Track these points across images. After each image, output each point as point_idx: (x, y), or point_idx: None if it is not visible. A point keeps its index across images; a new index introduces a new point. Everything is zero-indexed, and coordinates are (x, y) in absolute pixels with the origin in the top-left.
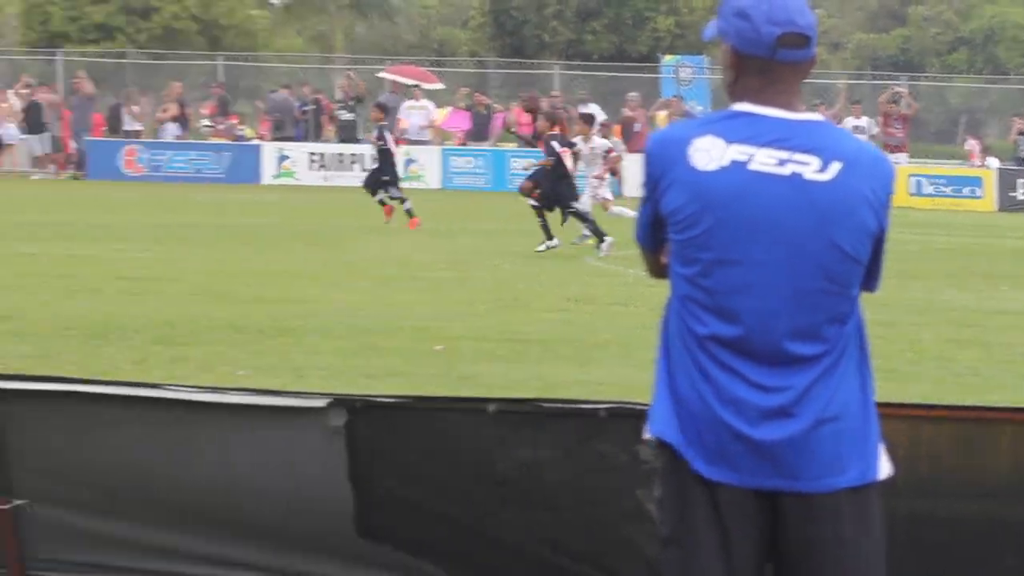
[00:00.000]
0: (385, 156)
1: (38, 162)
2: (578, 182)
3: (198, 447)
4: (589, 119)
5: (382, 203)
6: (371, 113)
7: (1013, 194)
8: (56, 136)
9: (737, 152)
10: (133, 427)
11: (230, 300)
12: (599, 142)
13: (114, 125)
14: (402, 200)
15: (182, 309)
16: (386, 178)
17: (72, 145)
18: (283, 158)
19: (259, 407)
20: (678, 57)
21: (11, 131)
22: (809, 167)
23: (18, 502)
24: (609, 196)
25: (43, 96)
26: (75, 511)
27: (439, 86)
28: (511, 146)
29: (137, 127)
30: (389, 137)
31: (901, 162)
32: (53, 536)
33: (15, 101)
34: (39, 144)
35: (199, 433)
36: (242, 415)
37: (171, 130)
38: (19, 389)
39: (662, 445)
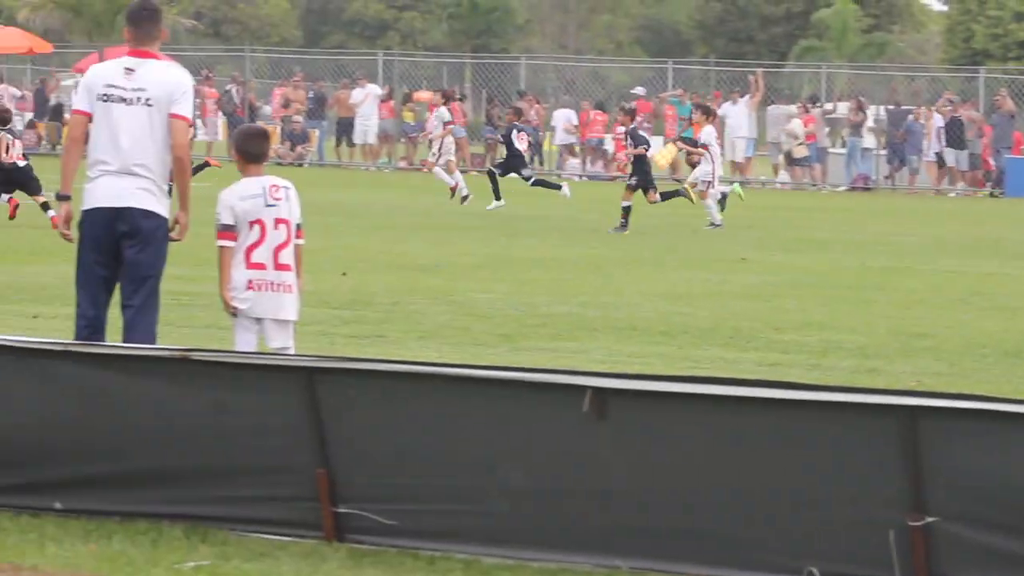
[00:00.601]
0: None
1: (953, 178)
2: None
3: None
4: None
5: None
6: None
7: None
8: (975, 153)
9: None
10: None
11: None
12: None
13: None
14: None
15: None
16: None
17: (991, 163)
18: None
19: None
20: None
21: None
22: None
23: (930, 519)
24: None
25: (965, 113)
26: (983, 530)
27: None
28: None
29: None
30: None
31: None
32: (959, 554)
33: (936, 117)
34: (955, 160)
35: None
36: None
37: None
38: (935, 407)
39: None
